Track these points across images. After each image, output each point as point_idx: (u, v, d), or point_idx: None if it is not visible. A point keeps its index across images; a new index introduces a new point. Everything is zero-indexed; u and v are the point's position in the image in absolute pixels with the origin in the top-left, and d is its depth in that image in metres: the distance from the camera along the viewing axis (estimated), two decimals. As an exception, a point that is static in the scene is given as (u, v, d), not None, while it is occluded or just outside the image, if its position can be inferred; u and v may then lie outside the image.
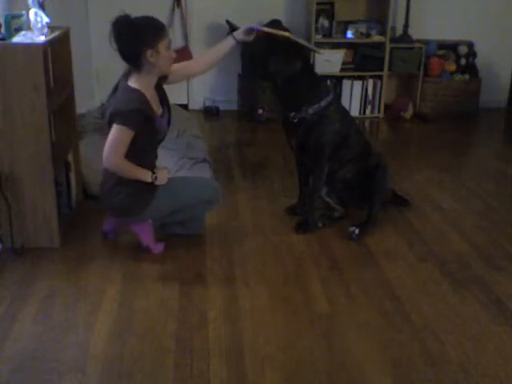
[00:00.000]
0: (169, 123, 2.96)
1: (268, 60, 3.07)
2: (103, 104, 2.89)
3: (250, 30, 2.97)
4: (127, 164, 2.75)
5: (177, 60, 5.88)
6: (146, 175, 2.82)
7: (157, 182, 2.84)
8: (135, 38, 2.66)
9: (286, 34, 2.97)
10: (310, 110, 3.08)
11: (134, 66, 2.73)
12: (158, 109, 2.84)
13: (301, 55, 3.08)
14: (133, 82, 2.74)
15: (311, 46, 3.34)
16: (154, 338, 2.35)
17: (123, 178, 2.80)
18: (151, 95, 2.79)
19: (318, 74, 3.27)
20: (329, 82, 5.50)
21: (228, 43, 3.01)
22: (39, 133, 2.83)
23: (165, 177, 2.89)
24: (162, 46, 2.69)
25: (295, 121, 3.12)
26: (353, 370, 2.19)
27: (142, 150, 2.77)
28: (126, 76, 2.79)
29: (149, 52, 2.67)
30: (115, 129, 2.68)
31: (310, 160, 3.25)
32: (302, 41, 3.09)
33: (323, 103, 3.09)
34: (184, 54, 5.55)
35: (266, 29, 3.00)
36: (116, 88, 2.82)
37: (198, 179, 3.32)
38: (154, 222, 3.01)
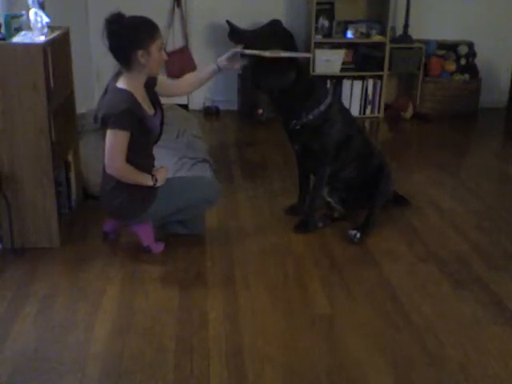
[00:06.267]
0: (162, 124, 2.96)
1: (260, 82, 3.11)
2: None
3: (233, 57, 2.97)
4: (130, 168, 2.75)
5: (177, 60, 5.92)
6: (147, 179, 2.82)
7: (157, 184, 2.84)
8: (127, 37, 2.65)
9: (267, 53, 2.95)
10: (310, 116, 3.09)
11: (124, 66, 2.73)
12: (149, 109, 2.83)
13: (293, 65, 3.07)
14: (122, 83, 2.73)
15: (297, 54, 3.37)
16: (153, 337, 2.35)
17: (121, 182, 2.80)
18: (141, 95, 2.78)
19: (315, 78, 3.29)
20: (329, 82, 5.50)
21: (211, 69, 3.03)
22: (39, 133, 2.83)
23: (164, 176, 2.90)
24: (153, 47, 2.69)
25: (297, 128, 3.13)
26: (353, 370, 2.19)
27: (137, 152, 2.76)
28: (116, 77, 2.78)
29: (140, 52, 2.66)
30: (110, 133, 2.68)
31: (313, 161, 3.25)
32: (285, 53, 3.06)
33: (322, 107, 3.09)
34: (184, 54, 5.56)
35: (248, 51, 2.99)
36: (107, 90, 2.82)
37: (196, 178, 3.32)
38: (155, 222, 3.01)
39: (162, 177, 2.88)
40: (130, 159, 2.73)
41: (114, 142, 2.68)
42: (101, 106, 2.77)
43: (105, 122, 2.68)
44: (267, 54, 2.95)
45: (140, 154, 2.81)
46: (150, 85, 2.88)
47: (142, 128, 2.73)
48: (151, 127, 2.82)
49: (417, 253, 3.07)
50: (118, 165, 2.72)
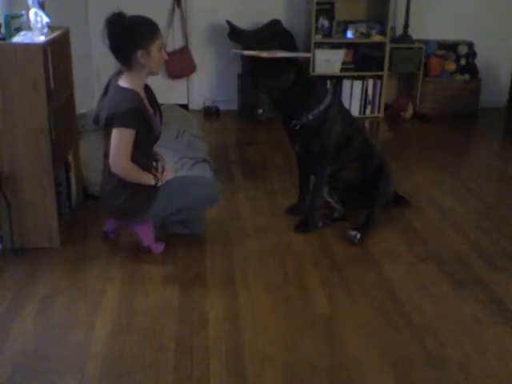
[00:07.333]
0: (161, 122, 2.96)
1: (259, 82, 3.12)
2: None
3: None
4: (134, 167, 2.75)
5: (177, 60, 5.91)
6: (150, 179, 2.82)
7: (159, 183, 2.84)
8: (128, 37, 2.65)
9: (264, 54, 2.97)
10: (310, 116, 3.09)
11: (125, 65, 2.73)
12: (149, 108, 2.84)
13: (292, 65, 3.08)
14: (124, 82, 2.73)
15: (294, 54, 3.44)
16: (154, 337, 2.35)
17: (123, 181, 2.79)
18: (142, 95, 2.78)
19: (315, 78, 3.29)
20: (329, 82, 5.50)
21: None
22: (39, 133, 2.83)
23: (168, 174, 2.90)
24: (154, 47, 2.69)
25: (297, 128, 3.13)
26: (353, 370, 2.19)
27: (140, 152, 2.76)
28: (117, 76, 2.78)
29: (140, 52, 2.66)
30: (116, 132, 2.66)
31: (313, 161, 3.25)
32: (282, 54, 3.08)
33: (322, 107, 3.10)
34: (184, 54, 5.56)
35: (246, 52, 3.02)
36: (107, 89, 2.81)
37: (197, 178, 3.32)
38: (155, 223, 3.01)
39: (167, 173, 2.89)
40: (135, 158, 2.73)
41: (120, 140, 2.68)
42: (102, 107, 2.76)
43: (109, 121, 2.67)
44: (265, 54, 2.96)
45: (143, 154, 2.81)
46: (147, 85, 2.88)
47: (146, 126, 2.73)
48: (155, 126, 2.82)
49: (417, 253, 3.07)
50: (123, 164, 2.72)
